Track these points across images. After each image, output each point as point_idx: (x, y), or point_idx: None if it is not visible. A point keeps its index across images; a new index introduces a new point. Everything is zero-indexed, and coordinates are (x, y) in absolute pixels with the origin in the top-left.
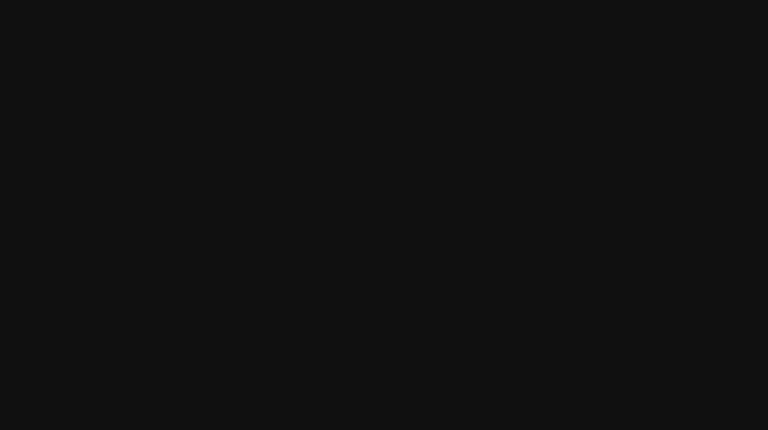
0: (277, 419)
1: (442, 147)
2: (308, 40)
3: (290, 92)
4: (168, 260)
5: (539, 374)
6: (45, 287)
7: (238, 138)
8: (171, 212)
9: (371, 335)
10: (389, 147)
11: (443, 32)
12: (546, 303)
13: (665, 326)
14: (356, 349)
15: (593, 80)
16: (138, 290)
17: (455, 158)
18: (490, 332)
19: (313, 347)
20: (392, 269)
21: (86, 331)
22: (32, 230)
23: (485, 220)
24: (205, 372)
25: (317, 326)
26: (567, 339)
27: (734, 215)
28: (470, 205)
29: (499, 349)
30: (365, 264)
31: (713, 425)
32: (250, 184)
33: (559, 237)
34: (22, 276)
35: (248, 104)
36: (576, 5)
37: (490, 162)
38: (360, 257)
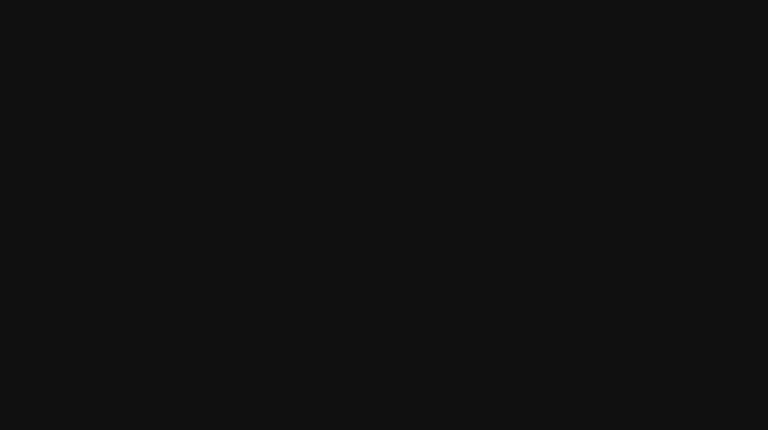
0: (277, 419)
1: (442, 148)
2: (309, 40)
3: (290, 92)
4: (168, 260)
5: (539, 374)
6: (45, 287)
7: (238, 139)
8: (171, 212)
9: (372, 335)
10: (389, 148)
11: (443, 32)
12: (546, 303)
13: (666, 327)
14: (356, 349)
15: (593, 80)
16: (138, 290)
17: (455, 158)
18: (490, 332)
19: (313, 347)
20: (392, 269)
21: (86, 331)
22: (32, 230)
23: (485, 220)
24: (205, 372)
25: (317, 326)
26: (567, 339)
27: (734, 215)
28: (470, 205)
29: (499, 349)
30: (365, 263)
31: (713, 425)
32: (250, 184)
33: (559, 237)
34: (22, 276)
35: (248, 104)
36: (576, 5)
37: (490, 162)
38: (360, 257)
